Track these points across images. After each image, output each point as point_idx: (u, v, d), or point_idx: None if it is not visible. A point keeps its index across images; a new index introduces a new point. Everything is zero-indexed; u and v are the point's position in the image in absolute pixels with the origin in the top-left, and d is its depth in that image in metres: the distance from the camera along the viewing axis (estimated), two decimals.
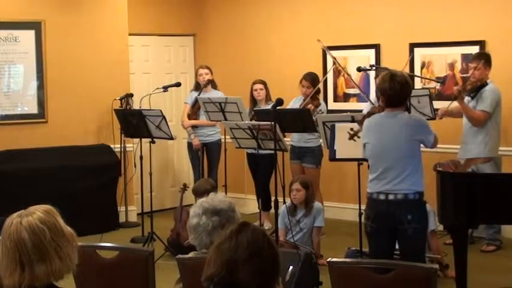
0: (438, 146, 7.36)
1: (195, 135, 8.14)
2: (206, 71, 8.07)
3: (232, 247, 2.35)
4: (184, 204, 7.23)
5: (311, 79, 7.56)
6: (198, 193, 6.60)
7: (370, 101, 6.93)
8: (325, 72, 8.45)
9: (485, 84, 6.83)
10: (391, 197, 4.72)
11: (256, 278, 2.33)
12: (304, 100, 7.48)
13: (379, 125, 4.84)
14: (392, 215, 4.72)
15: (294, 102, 7.64)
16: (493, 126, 6.84)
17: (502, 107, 6.91)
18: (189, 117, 8.10)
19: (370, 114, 5.05)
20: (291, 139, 7.69)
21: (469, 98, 6.89)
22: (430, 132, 4.83)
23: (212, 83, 8.11)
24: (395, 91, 4.73)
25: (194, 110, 8.05)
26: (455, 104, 6.90)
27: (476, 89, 6.83)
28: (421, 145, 4.86)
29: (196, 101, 7.95)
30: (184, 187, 7.31)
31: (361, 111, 7.33)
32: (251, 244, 2.35)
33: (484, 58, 6.89)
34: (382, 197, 4.75)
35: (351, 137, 5.43)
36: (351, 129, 5.45)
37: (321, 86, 7.94)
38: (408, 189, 4.71)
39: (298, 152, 7.67)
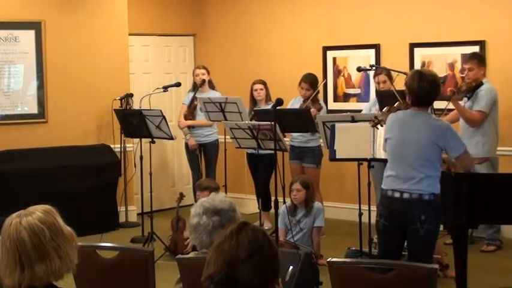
0: None
1: (190, 136, 8.13)
2: (203, 71, 8.06)
3: (232, 246, 2.35)
4: (184, 205, 7.21)
5: (310, 81, 7.55)
6: (201, 187, 6.66)
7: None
8: (325, 72, 8.46)
9: (480, 84, 6.81)
10: (405, 195, 4.68)
11: (257, 277, 2.33)
12: (304, 101, 7.48)
13: (402, 123, 4.77)
14: (406, 214, 4.68)
15: (293, 103, 7.64)
16: (490, 126, 6.82)
17: (500, 107, 6.90)
18: (186, 117, 8.08)
19: (396, 108, 5.00)
20: (291, 139, 7.69)
21: (465, 99, 6.89)
22: (454, 139, 4.72)
23: (210, 83, 8.10)
24: (424, 90, 4.67)
25: (190, 110, 8.04)
26: (451, 105, 6.90)
27: (472, 89, 6.81)
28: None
29: (192, 101, 7.95)
30: (181, 196, 7.25)
31: (360, 111, 7.34)
32: (251, 243, 2.35)
33: (477, 58, 6.88)
34: (396, 194, 4.71)
35: (374, 125, 5.38)
36: (375, 117, 5.40)
37: (320, 86, 7.94)
38: (424, 189, 4.65)
39: (298, 152, 7.66)
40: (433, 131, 4.70)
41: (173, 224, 7.11)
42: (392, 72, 7.19)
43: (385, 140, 4.90)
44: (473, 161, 4.98)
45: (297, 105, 7.54)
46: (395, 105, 5.19)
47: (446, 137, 4.69)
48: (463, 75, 7.34)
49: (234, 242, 2.35)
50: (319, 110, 7.40)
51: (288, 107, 7.50)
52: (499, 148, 6.98)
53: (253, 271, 2.33)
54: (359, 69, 7.48)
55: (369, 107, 7.33)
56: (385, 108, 5.27)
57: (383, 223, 4.82)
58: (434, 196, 4.69)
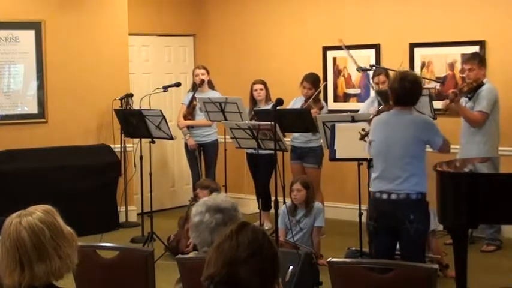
0: None
1: (189, 136, 8.12)
2: (202, 71, 8.06)
3: (232, 246, 2.35)
4: (186, 204, 7.21)
5: (312, 80, 7.55)
6: (202, 186, 6.74)
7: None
8: (325, 72, 8.45)
9: (481, 84, 6.82)
10: (393, 196, 4.72)
11: (257, 277, 2.33)
12: (305, 101, 7.48)
13: (386, 123, 4.82)
14: (395, 215, 4.71)
15: (294, 102, 7.64)
16: (491, 125, 6.83)
17: (500, 107, 6.90)
18: (185, 117, 8.08)
19: (379, 112, 5.04)
20: (292, 139, 7.69)
21: (467, 99, 6.89)
22: (437, 133, 4.80)
23: (209, 83, 8.09)
24: (405, 90, 4.73)
25: (189, 110, 8.03)
26: None
27: (473, 89, 6.82)
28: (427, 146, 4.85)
29: (191, 101, 7.95)
30: (195, 197, 7.26)
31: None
32: (251, 243, 2.35)
33: (477, 58, 6.88)
34: (384, 196, 4.75)
35: (362, 137, 5.42)
36: (362, 129, 5.44)
37: (321, 87, 7.94)
38: (411, 189, 4.69)
39: (299, 152, 7.66)
40: (417, 126, 4.77)
41: (181, 221, 7.11)
42: (391, 72, 7.19)
43: (369, 142, 4.93)
44: (449, 144, 5.01)
45: (298, 105, 7.53)
46: (379, 108, 5.24)
47: (429, 131, 4.78)
48: (463, 75, 7.34)
49: (234, 242, 2.35)
50: (320, 109, 7.40)
51: (289, 106, 7.50)
52: (500, 148, 6.97)
53: (254, 271, 2.33)
54: (359, 69, 7.47)
55: (366, 107, 7.32)
56: (371, 116, 5.30)
57: (373, 225, 4.86)
58: (422, 195, 4.75)
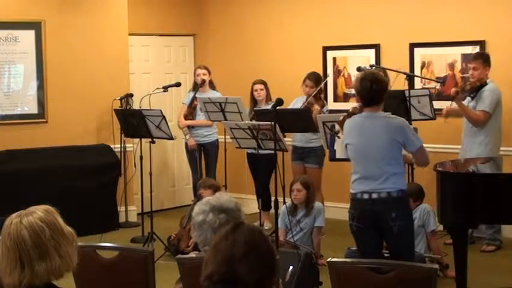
0: (438, 146, 7.37)
1: (190, 136, 8.12)
2: (204, 71, 8.06)
3: (229, 244, 2.35)
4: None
5: (315, 79, 7.55)
6: (206, 185, 6.76)
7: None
8: (325, 72, 8.45)
9: (485, 84, 6.82)
10: (374, 195, 4.76)
11: (255, 274, 2.34)
12: (306, 99, 7.47)
13: (360, 127, 4.86)
14: (377, 214, 4.76)
15: (295, 102, 7.62)
16: (493, 126, 6.82)
17: (502, 107, 6.90)
18: (186, 117, 8.08)
19: (350, 114, 5.05)
20: (293, 140, 7.68)
21: (469, 99, 6.89)
22: (412, 134, 4.81)
23: (210, 84, 8.09)
24: (367, 89, 4.76)
25: (190, 110, 8.03)
26: (454, 105, 6.91)
27: (476, 89, 6.82)
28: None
29: (193, 101, 7.95)
30: (198, 197, 7.26)
31: None
32: (248, 241, 2.36)
33: (482, 58, 6.89)
34: (366, 196, 4.80)
35: (335, 134, 5.52)
36: (330, 129, 5.52)
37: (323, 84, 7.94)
38: (391, 187, 4.74)
39: (300, 152, 7.65)
40: (392, 128, 4.78)
41: (183, 220, 7.10)
42: (391, 72, 7.19)
43: (345, 145, 4.94)
44: (429, 156, 5.00)
45: (299, 105, 7.51)
46: (350, 110, 5.24)
47: (404, 132, 4.78)
48: (463, 75, 7.33)
49: (230, 240, 2.36)
50: (322, 106, 7.41)
51: (291, 105, 7.50)
52: (502, 148, 6.98)
53: (251, 268, 2.33)
54: (359, 69, 7.46)
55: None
56: (340, 117, 5.32)
57: (356, 225, 4.91)
58: (403, 192, 4.79)
